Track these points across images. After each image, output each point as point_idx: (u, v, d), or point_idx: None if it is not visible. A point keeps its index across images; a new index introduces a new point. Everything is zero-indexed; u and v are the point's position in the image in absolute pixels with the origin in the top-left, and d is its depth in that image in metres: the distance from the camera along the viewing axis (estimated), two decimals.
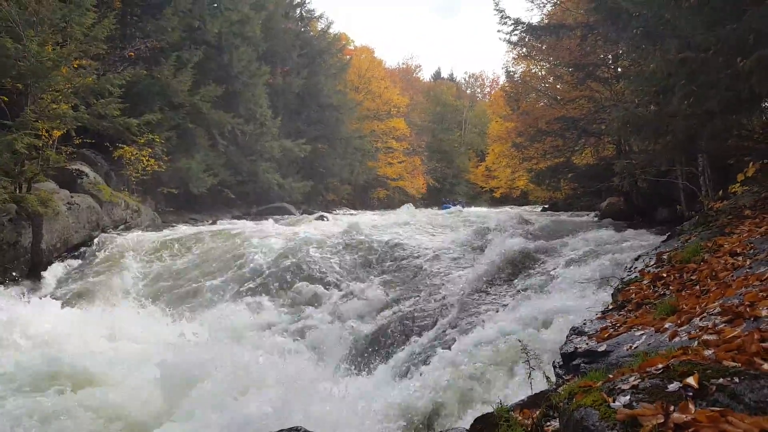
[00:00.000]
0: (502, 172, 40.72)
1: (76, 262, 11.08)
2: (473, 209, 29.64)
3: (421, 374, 5.20)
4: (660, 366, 2.07)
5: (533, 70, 24.99)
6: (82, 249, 11.61)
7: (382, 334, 6.99)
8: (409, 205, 22.56)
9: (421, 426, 4.34)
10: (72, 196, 12.09)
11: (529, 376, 3.52)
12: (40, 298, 9.12)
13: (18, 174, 10.64)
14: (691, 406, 1.69)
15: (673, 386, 1.86)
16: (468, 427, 3.00)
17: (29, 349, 6.81)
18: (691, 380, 1.84)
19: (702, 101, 7.66)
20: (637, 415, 1.72)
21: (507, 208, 31.87)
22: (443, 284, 8.12)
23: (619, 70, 17.94)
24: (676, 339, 3.01)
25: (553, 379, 3.73)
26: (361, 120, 42.40)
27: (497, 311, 6.44)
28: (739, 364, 2.01)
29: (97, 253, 11.39)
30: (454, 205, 39.01)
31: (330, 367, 6.48)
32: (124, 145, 16.37)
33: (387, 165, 44.97)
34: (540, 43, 20.79)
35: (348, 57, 42.10)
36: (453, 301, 7.22)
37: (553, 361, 3.90)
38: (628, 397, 1.88)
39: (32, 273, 10.33)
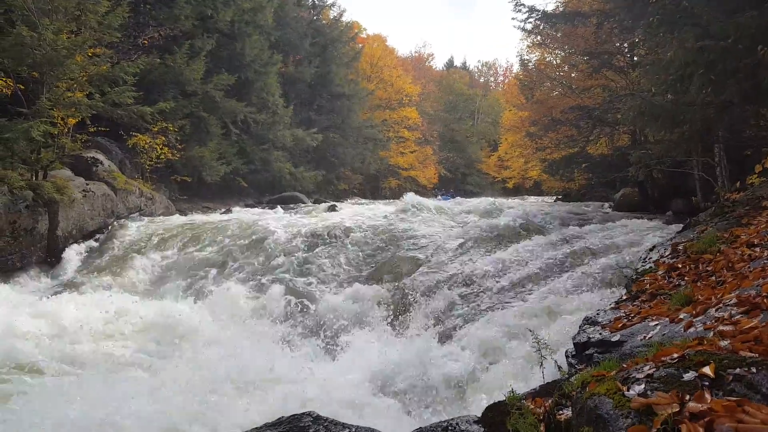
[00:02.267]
0: (515, 162, 40.47)
1: (91, 249, 11.20)
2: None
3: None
4: (675, 355, 2.06)
5: (548, 59, 24.75)
6: (98, 236, 11.73)
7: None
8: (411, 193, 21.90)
9: None
10: (87, 184, 12.20)
11: (541, 366, 3.51)
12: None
13: (34, 161, 10.74)
14: (707, 396, 1.68)
15: (689, 376, 1.84)
16: (479, 414, 3.00)
17: None
18: (707, 370, 1.83)
19: (720, 91, 7.56)
20: (652, 404, 1.71)
21: (518, 199, 31.69)
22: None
23: (635, 58, 17.75)
24: (692, 329, 2.99)
25: (566, 368, 3.73)
26: (372, 109, 42.26)
27: (510, 301, 6.43)
28: (756, 355, 1.99)
29: (112, 239, 11.50)
30: (452, 196, 35.97)
31: None
32: (138, 134, 16.46)
33: (399, 155, 44.81)
34: (555, 30, 20.61)
35: (360, 45, 41.89)
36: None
37: (566, 351, 3.90)
38: (642, 386, 1.87)
39: (48, 259, 10.48)
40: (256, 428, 2.88)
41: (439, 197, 35.19)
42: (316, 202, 24.10)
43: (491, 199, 18.71)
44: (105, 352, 6.30)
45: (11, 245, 9.65)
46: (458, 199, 27.52)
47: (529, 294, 6.54)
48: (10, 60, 10.79)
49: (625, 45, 18.21)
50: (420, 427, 2.87)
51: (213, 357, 5.51)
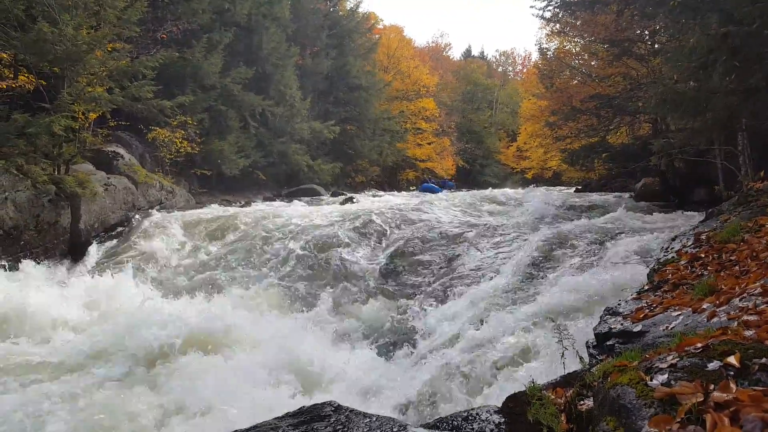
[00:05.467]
0: (534, 153, 40.08)
1: (113, 242, 11.34)
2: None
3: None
4: (699, 345, 2.03)
5: (567, 47, 24.46)
6: (119, 229, 11.89)
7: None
8: None
9: None
10: (108, 178, 12.36)
11: (562, 356, 3.49)
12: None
13: (56, 156, 10.90)
14: (733, 386, 1.65)
15: (713, 365, 1.82)
16: (500, 404, 3.00)
17: None
18: (732, 359, 1.80)
19: (745, 77, 7.41)
20: (676, 394, 1.69)
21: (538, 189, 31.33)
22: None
23: (657, 45, 17.44)
24: (715, 319, 2.95)
25: (587, 359, 3.70)
26: (389, 101, 42.06)
27: (533, 292, 6.40)
28: None
29: (133, 233, 11.64)
30: (437, 188, 27.91)
31: None
32: (158, 127, 16.62)
33: (416, 146, 44.54)
34: (574, 18, 20.36)
35: (377, 36, 41.70)
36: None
37: (587, 342, 3.87)
38: (666, 376, 1.84)
39: (71, 252, 10.64)
40: (278, 417, 2.90)
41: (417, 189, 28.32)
42: (334, 194, 24.15)
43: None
44: None
45: (35, 239, 9.83)
46: (445, 193, 22.48)
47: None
48: (32, 56, 10.94)
49: (646, 32, 17.89)
50: (440, 417, 2.88)
51: None
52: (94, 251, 10.83)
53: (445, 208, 12.52)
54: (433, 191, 24.36)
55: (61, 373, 5.58)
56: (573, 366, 3.58)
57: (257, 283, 8.73)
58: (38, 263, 9.43)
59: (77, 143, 11.54)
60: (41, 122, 10.03)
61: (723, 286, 3.55)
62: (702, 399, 1.62)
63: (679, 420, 1.60)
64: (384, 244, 9.84)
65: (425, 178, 38.27)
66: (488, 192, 20.05)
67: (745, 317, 2.62)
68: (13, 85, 11.11)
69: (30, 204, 9.69)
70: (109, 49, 12.85)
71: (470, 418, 2.80)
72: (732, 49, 7.15)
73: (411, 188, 34.55)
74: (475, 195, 16.71)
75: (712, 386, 1.68)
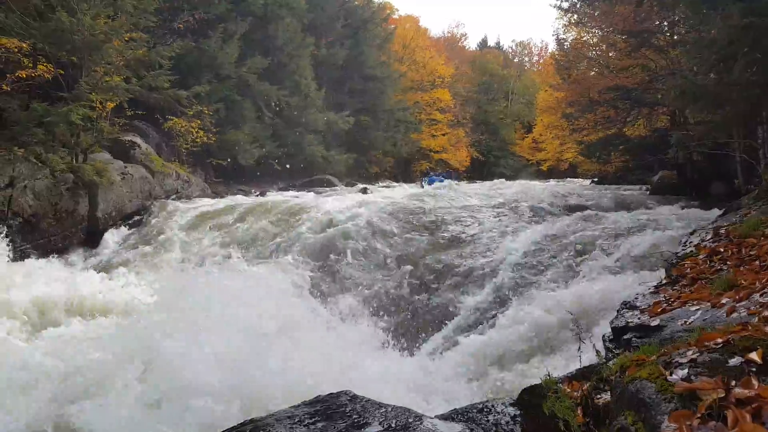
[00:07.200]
0: (550, 144, 39.78)
1: (130, 230, 11.46)
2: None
3: None
4: (719, 341, 2.01)
5: (584, 38, 24.14)
6: (136, 218, 12.00)
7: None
8: None
9: None
10: (125, 167, 12.47)
11: (579, 350, 3.48)
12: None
13: (74, 144, 11.04)
14: (755, 382, 1.63)
15: (735, 361, 1.80)
16: (515, 398, 2.99)
17: None
18: (754, 355, 1.78)
19: (766, 69, 7.29)
20: (697, 389, 1.68)
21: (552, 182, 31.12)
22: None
23: (676, 37, 17.17)
24: (735, 315, 2.92)
25: (603, 353, 3.68)
26: (404, 91, 41.82)
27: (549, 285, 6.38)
28: None
29: (150, 221, 11.74)
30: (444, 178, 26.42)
31: None
32: (174, 117, 16.71)
33: (430, 137, 44.30)
34: (592, 9, 20.10)
35: (392, 27, 41.46)
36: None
37: (603, 336, 3.85)
38: (686, 371, 1.83)
39: (89, 240, 10.78)
40: (294, 406, 2.92)
41: (423, 183, 26.58)
42: (348, 185, 24.16)
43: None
44: None
45: (53, 226, 9.97)
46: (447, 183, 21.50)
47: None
48: (51, 45, 11.04)
49: (665, 23, 17.62)
50: (455, 408, 2.88)
51: None
52: (112, 239, 10.95)
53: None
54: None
55: None
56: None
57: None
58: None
59: (95, 132, 11.66)
60: (59, 111, 10.15)
61: (743, 281, 3.51)
62: (723, 395, 1.61)
63: (699, 415, 1.58)
64: None
65: (428, 171, 37.52)
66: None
67: (766, 313, 2.59)
68: (33, 75, 11.21)
69: (48, 192, 9.82)
70: (126, 38, 12.93)
71: (485, 409, 2.80)
72: (754, 40, 7.04)
73: (419, 181, 33.22)
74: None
75: (733, 382, 1.66)
